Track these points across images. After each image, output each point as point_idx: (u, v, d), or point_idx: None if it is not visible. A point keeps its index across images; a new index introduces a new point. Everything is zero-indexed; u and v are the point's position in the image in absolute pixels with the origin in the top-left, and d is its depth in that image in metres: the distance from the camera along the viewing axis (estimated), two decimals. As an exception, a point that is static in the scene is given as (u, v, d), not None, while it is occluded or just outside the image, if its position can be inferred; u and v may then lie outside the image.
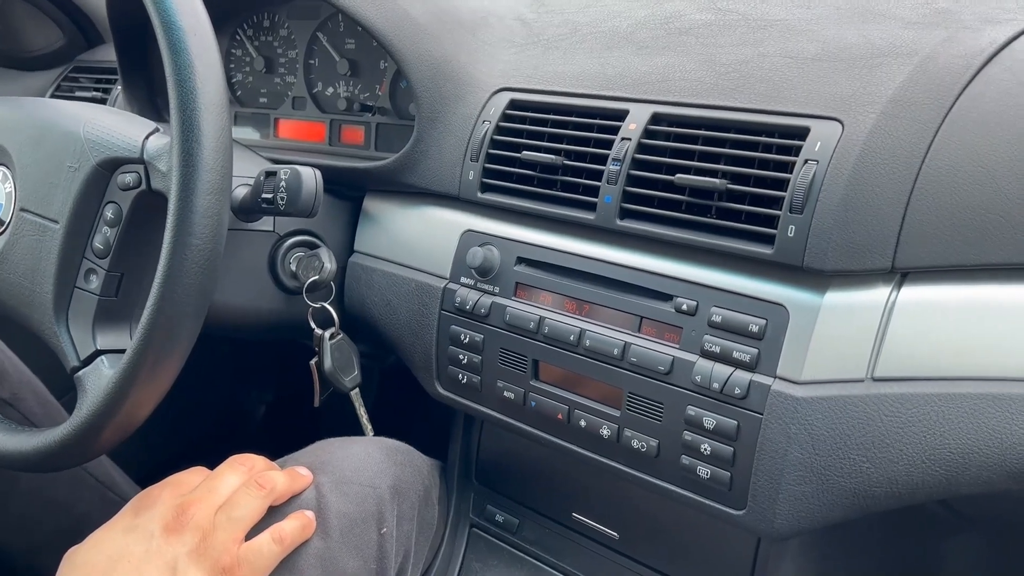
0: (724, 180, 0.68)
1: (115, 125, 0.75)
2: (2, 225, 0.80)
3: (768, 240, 0.66)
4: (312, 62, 1.05)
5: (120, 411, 0.67)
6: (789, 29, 0.76)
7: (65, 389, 0.82)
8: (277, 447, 0.85)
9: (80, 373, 0.72)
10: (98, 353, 0.72)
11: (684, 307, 0.70)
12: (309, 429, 0.97)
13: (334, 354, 0.90)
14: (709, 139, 0.71)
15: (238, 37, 1.10)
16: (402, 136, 0.97)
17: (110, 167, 0.73)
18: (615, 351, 0.73)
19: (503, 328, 0.80)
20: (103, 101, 1.30)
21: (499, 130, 0.83)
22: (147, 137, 0.72)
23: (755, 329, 0.66)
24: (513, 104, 0.83)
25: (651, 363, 0.71)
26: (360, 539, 0.74)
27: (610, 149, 0.75)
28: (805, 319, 0.64)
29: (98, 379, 0.70)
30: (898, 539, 0.85)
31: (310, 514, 0.72)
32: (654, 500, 0.80)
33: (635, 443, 0.73)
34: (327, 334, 0.90)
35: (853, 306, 0.63)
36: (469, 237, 0.85)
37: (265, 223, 0.88)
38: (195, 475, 0.74)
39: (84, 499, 0.99)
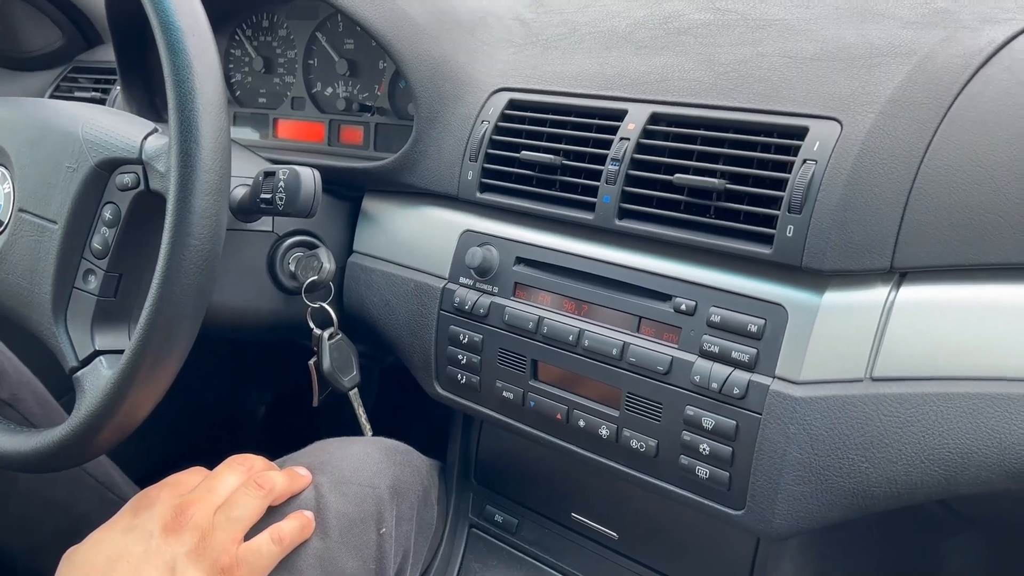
0: (723, 180, 0.68)
1: (113, 125, 0.75)
2: (1, 226, 0.80)
3: (767, 240, 0.66)
4: (311, 62, 1.05)
5: (119, 411, 0.67)
6: (788, 29, 0.76)
7: (64, 390, 0.82)
8: (276, 447, 0.85)
9: (79, 374, 0.72)
10: (97, 353, 0.72)
11: (683, 307, 0.70)
12: (308, 429, 0.97)
13: (333, 354, 0.90)
14: (708, 139, 0.71)
15: (237, 37, 1.10)
16: (401, 136, 0.97)
17: (108, 167, 0.73)
18: (614, 351, 0.73)
19: (502, 328, 0.80)
20: (102, 101, 1.30)
21: (498, 130, 0.83)
22: (145, 138, 0.72)
23: (754, 329, 0.66)
24: (512, 104, 0.83)
25: (650, 363, 0.71)
26: (359, 539, 0.74)
27: (609, 149, 0.74)
28: (804, 319, 0.64)
29: (97, 379, 0.70)
30: (897, 539, 0.85)
31: (309, 514, 0.72)
32: (653, 500, 0.80)
33: (634, 443, 0.73)
34: (326, 334, 0.90)
35: (852, 306, 0.63)
36: (468, 237, 0.85)
37: (264, 223, 0.88)
38: (194, 475, 0.74)
39: (83, 499, 0.99)
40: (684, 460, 0.70)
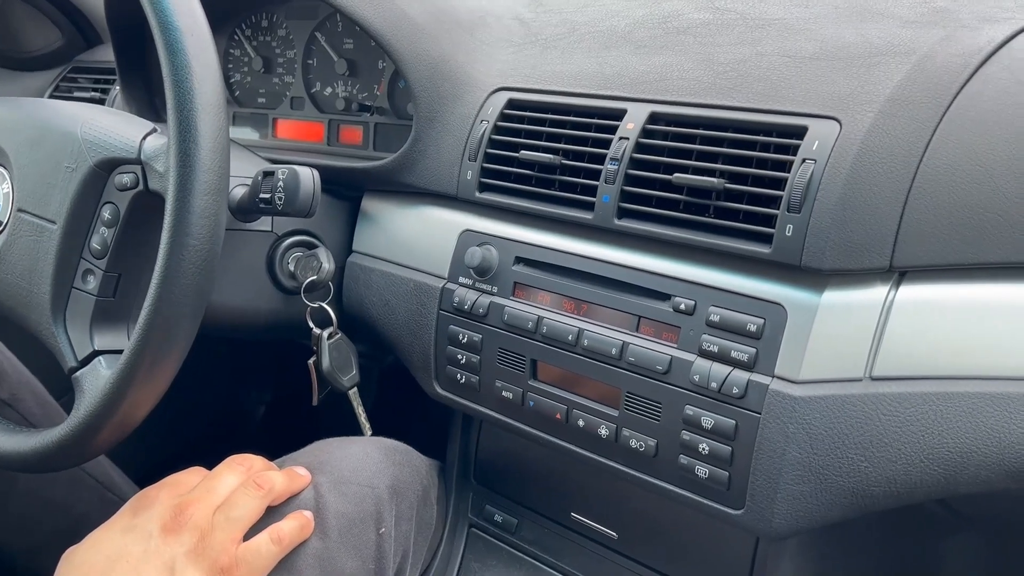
0: (722, 179, 0.68)
1: (112, 125, 0.75)
2: (0, 225, 0.80)
3: (766, 239, 0.66)
4: (310, 62, 1.05)
5: (118, 411, 0.67)
6: (787, 28, 0.76)
7: (64, 390, 0.81)
8: (275, 447, 0.85)
9: (78, 374, 0.72)
10: (96, 354, 0.72)
11: (682, 306, 0.70)
12: (307, 429, 0.97)
13: (332, 354, 0.90)
14: (707, 138, 0.71)
15: (236, 37, 1.10)
16: (400, 136, 0.97)
17: (107, 168, 0.73)
18: (613, 351, 0.73)
19: (501, 328, 0.80)
20: (101, 102, 1.30)
21: (497, 130, 0.83)
22: (144, 138, 0.72)
23: (753, 328, 0.66)
24: (511, 104, 0.83)
25: (649, 363, 0.71)
26: (358, 539, 0.74)
27: (608, 149, 0.74)
28: (803, 318, 0.64)
29: (96, 380, 0.70)
30: (897, 538, 0.85)
31: (308, 514, 0.72)
32: (653, 500, 0.80)
33: (633, 443, 0.73)
34: (325, 334, 0.90)
35: (851, 305, 0.63)
36: (467, 237, 0.85)
37: (263, 223, 0.88)
38: (193, 475, 0.74)
39: (83, 499, 0.99)
40: (683, 460, 0.70)
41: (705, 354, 0.68)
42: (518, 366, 0.80)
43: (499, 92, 0.85)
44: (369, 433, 0.93)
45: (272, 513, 0.71)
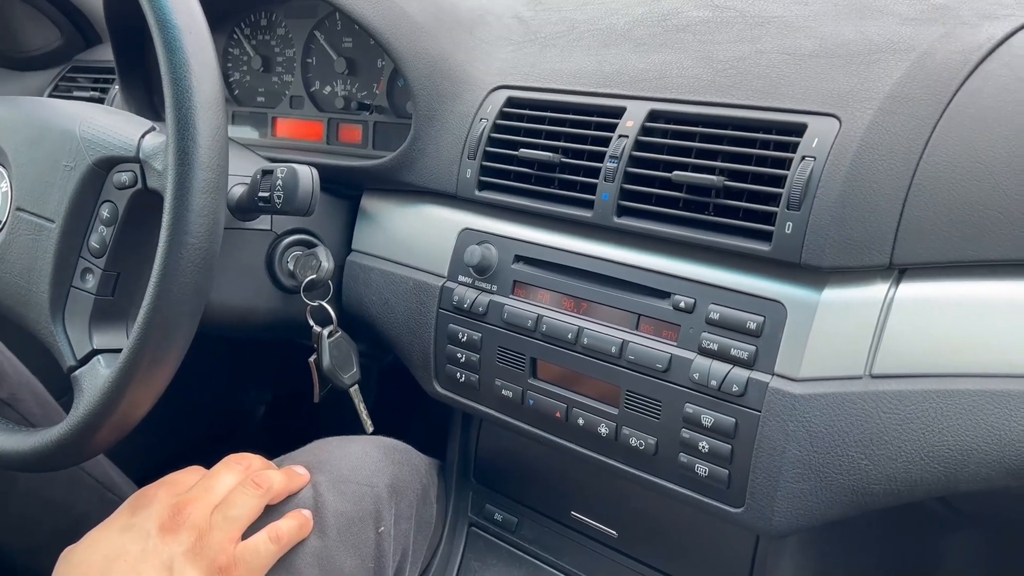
0: (722, 177, 0.68)
1: (111, 124, 0.75)
2: (-1, 224, 0.80)
3: (766, 237, 0.66)
4: (309, 61, 1.05)
5: (117, 410, 0.67)
6: (786, 25, 0.76)
7: (64, 389, 0.81)
8: (275, 446, 0.85)
9: (77, 373, 0.72)
10: (95, 352, 0.72)
11: (682, 304, 0.70)
12: (307, 428, 0.97)
13: (332, 352, 0.90)
14: (707, 136, 0.71)
15: (235, 36, 1.10)
16: (399, 134, 0.97)
17: (106, 166, 0.73)
18: (613, 349, 0.73)
19: (501, 326, 0.80)
20: (101, 101, 1.30)
21: (496, 128, 0.83)
22: (143, 136, 0.72)
23: (753, 326, 0.66)
24: (510, 102, 0.83)
25: (649, 361, 0.71)
26: (358, 538, 0.74)
27: (607, 147, 0.74)
28: (803, 316, 0.64)
29: (95, 378, 0.70)
30: (897, 536, 0.85)
31: (307, 513, 0.72)
32: (653, 498, 0.80)
33: (633, 441, 0.72)
34: (325, 332, 0.90)
35: (851, 303, 0.63)
36: (467, 235, 0.85)
37: (262, 222, 0.87)
38: (191, 474, 0.73)
39: (82, 499, 0.99)
40: (683, 458, 0.70)
41: (705, 352, 0.68)
42: (518, 365, 0.80)
43: (498, 90, 0.85)
44: (371, 429, 0.93)
45: (271, 512, 0.71)
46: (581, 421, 0.76)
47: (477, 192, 0.84)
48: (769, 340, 0.65)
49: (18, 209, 0.78)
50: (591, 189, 0.75)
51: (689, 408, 0.69)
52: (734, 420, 0.66)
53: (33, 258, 0.76)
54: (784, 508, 0.65)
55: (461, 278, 0.84)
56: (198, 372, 0.87)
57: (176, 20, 0.65)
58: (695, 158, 0.70)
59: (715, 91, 0.72)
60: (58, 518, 0.97)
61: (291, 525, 0.70)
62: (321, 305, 0.90)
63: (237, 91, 1.12)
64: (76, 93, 1.37)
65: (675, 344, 0.70)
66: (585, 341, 0.75)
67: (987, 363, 0.60)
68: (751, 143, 0.68)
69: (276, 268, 0.89)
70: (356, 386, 0.92)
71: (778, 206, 0.65)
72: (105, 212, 0.73)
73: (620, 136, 0.74)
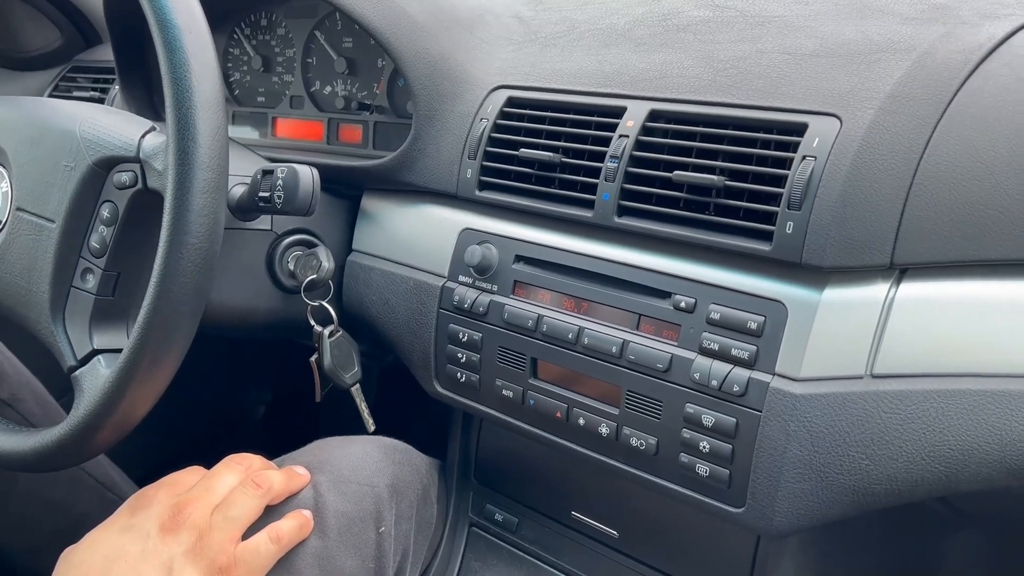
0: (722, 177, 0.68)
1: (111, 124, 0.75)
2: (-1, 224, 0.80)
3: (766, 237, 0.66)
4: (310, 61, 1.05)
5: (117, 410, 0.67)
6: (787, 25, 0.76)
7: (64, 389, 0.81)
8: (275, 446, 0.85)
9: (77, 373, 0.72)
10: (95, 352, 0.72)
11: (682, 304, 0.70)
12: (307, 428, 0.97)
13: (334, 351, 0.90)
14: (707, 136, 0.70)
15: (235, 36, 1.10)
16: (400, 134, 0.97)
17: (106, 166, 0.73)
18: (613, 349, 0.73)
19: (501, 326, 0.80)
20: (101, 101, 1.30)
21: (497, 128, 0.83)
22: (143, 136, 0.72)
23: (753, 326, 0.66)
24: (511, 102, 0.83)
25: (649, 361, 0.71)
26: (358, 538, 0.74)
27: (608, 146, 0.74)
28: (804, 316, 0.64)
29: (95, 379, 0.70)
30: (898, 536, 0.85)
31: (307, 513, 0.72)
32: (653, 498, 0.80)
33: (634, 441, 0.72)
34: (326, 332, 0.90)
35: (852, 302, 0.63)
36: (467, 235, 0.85)
37: (263, 222, 0.87)
38: (191, 475, 0.73)
39: (83, 499, 0.99)
40: (684, 458, 0.70)
41: (706, 352, 0.68)
42: (518, 365, 0.80)
43: (499, 90, 0.85)
44: (373, 428, 0.93)
45: (271, 512, 0.71)
46: (582, 421, 0.76)
47: (477, 192, 0.84)
48: (770, 340, 0.65)
49: (18, 209, 0.78)
50: (591, 189, 0.75)
51: (690, 408, 0.69)
52: (735, 420, 0.66)
53: (33, 258, 0.75)
54: (785, 508, 0.65)
55: (461, 278, 0.84)
56: (198, 372, 0.87)
57: (176, 20, 0.65)
58: (696, 158, 0.70)
59: (716, 91, 0.72)
60: (58, 518, 0.97)
61: (291, 525, 0.70)
62: (322, 305, 0.90)
63: (237, 91, 1.12)
64: (76, 93, 1.37)
65: (676, 344, 0.70)
66: (586, 341, 0.74)
67: (988, 363, 0.60)
68: (752, 143, 0.68)
69: (276, 268, 0.89)
70: (357, 385, 0.92)
71: (779, 206, 0.65)
72: (105, 212, 0.73)
73: (621, 136, 0.74)
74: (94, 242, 0.74)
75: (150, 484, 0.72)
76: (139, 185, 0.71)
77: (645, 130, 0.73)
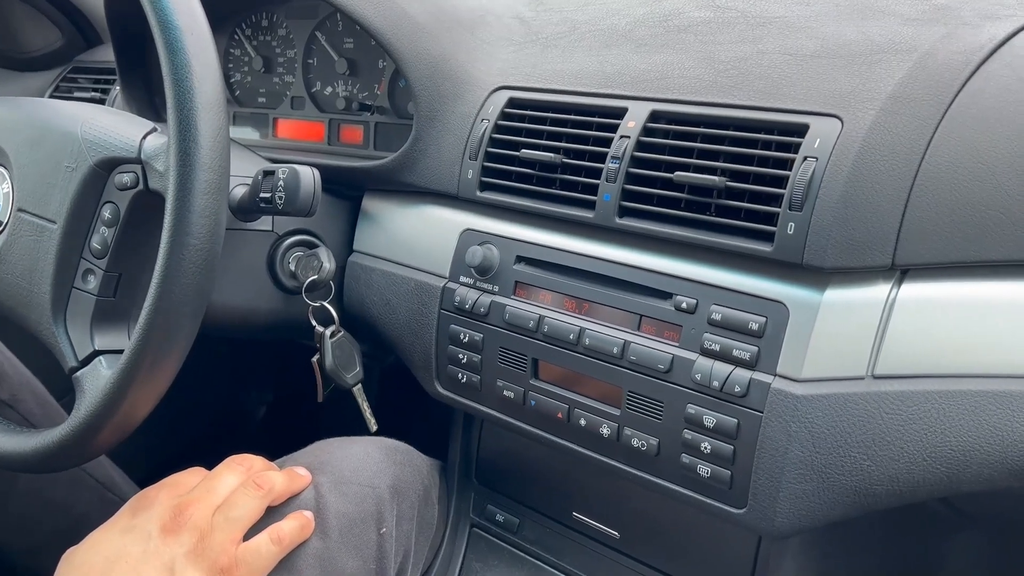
0: (723, 177, 0.68)
1: (112, 125, 0.75)
2: (0, 225, 0.80)
3: (768, 237, 0.66)
4: (311, 61, 1.05)
5: (118, 411, 0.67)
6: (788, 26, 0.76)
7: (65, 390, 0.81)
8: (276, 447, 0.85)
9: (78, 374, 0.72)
10: (96, 353, 0.72)
11: (684, 305, 0.70)
12: (308, 429, 0.97)
13: (335, 352, 0.90)
14: (708, 136, 0.70)
15: (236, 37, 1.10)
16: (401, 135, 0.97)
17: (107, 167, 0.73)
18: (615, 350, 0.73)
19: (503, 327, 0.80)
20: (102, 101, 1.30)
21: (498, 128, 0.83)
22: (144, 137, 0.72)
23: (755, 327, 0.66)
24: (512, 103, 0.83)
25: (651, 361, 0.71)
26: (359, 539, 0.74)
27: (609, 147, 0.74)
28: (805, 317, 0.64)
29: (96, 380, 0.70)
30: (899, 537, 0.85)
31: (309, 514, 0.72)
32: (654, 499, 0.80)
33: (635, 442, 0.72)
34: (328, 332, 0.90)
35: (853, 303, 0.63)
36: (468, 236, 0.85)
37: (264, 223, 0.87)
38: (193, 475, 0.73)
39: (83, 500, 0.99)
40: (685, 459, 0.70)
41: (707, 353, 0.68)
42: (519, 365, 0.80)
43: (500, 91, 0.85)
44: (375, 427, 0.93)
45: (272, 513, 0.71)
46: (583, 422, 0.76)
47: (478, 193, 0.84)
48: (771, 341, 0.65)
49: (20, 210, 0.78)
50: (593, 190, 0.75)
51: (691, 409, 0.69)
52: (736, 421, 0.66)
53: (35, 259, 0.76)
54: (786, 509, 0.65)
55: (463, 279, 0.84)
56: (199, 373, 0.87)
57: (178, 21, 0.65)
58: (697, 159, 0.70)
59: (717, 91, 0.72)
60: (58, 518, 0.97)
61: (293, 526, 0.70)
62: (323, 306, 0.90)
63: (238, 92, 1.12)
64: (77, 94, 1.37)
65: (677, 345, 0.70)
66: (587, 342, 0.74)
67: (989, 364, 0.60)
68: (753, 144, 0.68)
69: (277, 269, 0.89)
70: (359, 385, 0.92)
71: (780, 207, 0.65)
72: (107, 213, 0.73)
73: (622, 137, 0.74)
74: (95, 243, 0.74)
75: (151, 485, 0.72)
76: (140, 186, 0.71)
77: (646, 131, 0.73)
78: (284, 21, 1.06)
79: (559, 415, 0.78)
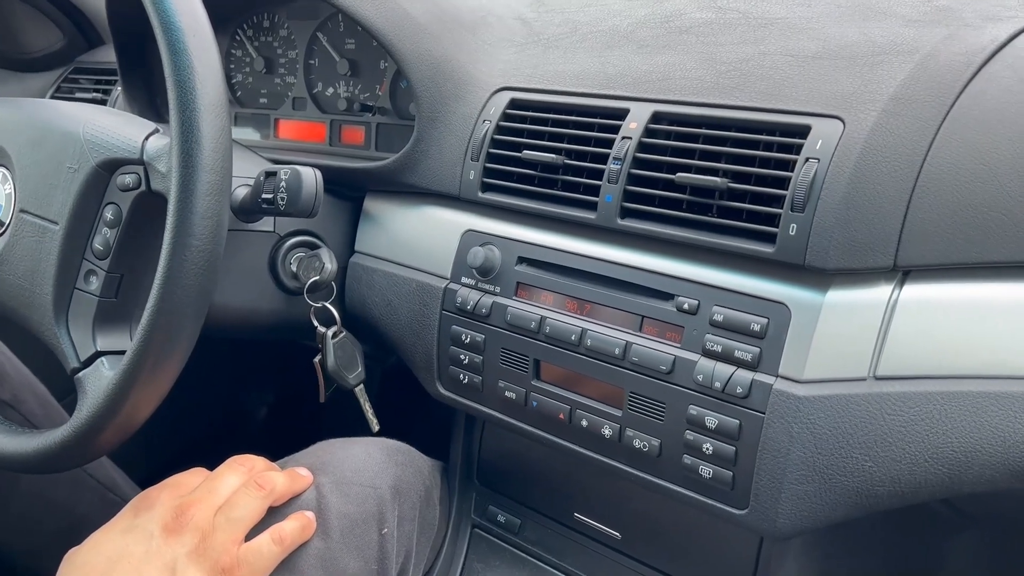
0: (725, 179, 0.68)
1: (114, 126, 0.75)
2: (2, 226, 0.80)
3: (770, 239, 0.66)
4: (312, 62, 1.05)
5: (120, 412, 0.67)
6: (790, 27, 0.76)
7: (66, 391, 0.82)
8: (277, 448, 0.85)
9: (80, 374, 0.72)
10: (98, 354, 0.72)
11: (685, 306, 0.70)
12: (310, 430, 0.97)
13: (337, 352, 0.90)
14: (710, 138, 0.70)
15: (238, 38, 1.10)
16: (402, 136, 0.97)
17: (109, 168, 0.73)
18: (616, 351, 0.73)
19: (504, 328, 0.80)
20: (103, 102, 1.30)
21: (499, 129, 0.83)
22: (147, 138, 0.72)
23: (757, 328, 0.66)
24: (513, 103, 0.83)
25: (652, 362, 0.71)
26: (361, 539, 0.74)
27: (611, 148, 0.74)
28: (807, 318, 0.64)
29: (98, 380, 0.70)
30: (901, 538, 0.85)
31: (310, 514, 0.72)
32: (656, 500, 0.80)
33: (637, 443, 0.72)
34: (329, 332, 0.90)
35: (855, 305, 0.63)
36: (470, 237, 0.85)
37: (265, 223, 0.88)
38: (194, 476, 0.73)
39: (85, 500, 0.99)
40: (687, 460, 0.70)
41: (709, 354, 0.68)
42: (521, 366, 0.80)
43: (501, 92, 0.85)
44: (377, 428, 0.93)
45: (274, 514, 0.71)
46: (584, 423, 0.76)
47: (480, 194, 0.84)
48: (773, 342, 0.65)
49: (22, 211, 0.78)
50: (594, 191, 0.75)
51: (693, 410, 0.69)
52: (738, 422, 0.66)
53: (37, 260, 0.76)
54: (788, 510, 0.65)
55: (464, 280, 0.84)
56: (201, 373, 0.87)
57: (180, 22, 0.65)
58: (698, 160, 0.70)
59: (718, 93, 0.72)
60: (60, 519, 0.97)
61: (294, 527, 0.70)
62: (325, 306, 0.90)
63: (240, 92, 1.12)
64: (78, 94, 1.37)
65: (679, 346, 0.70)
66: (588, 343, 0.74)
67: (991, 365, 0.60)
68: (754, 145, 0.68)
69: (279, 270, 0.89)
70: (361, 386, 0.92)
71: (782, 208, 0.65)
72: (109, 214, 0.73)
73: (623, 138, 0.74)
74: (97, 244, 0.74)
75: (153, 485, 0.72)
76: (142, 187, 0.71)
77: (648, 132, 0.73)
78: (286, 22, 1.06)
79: (561, 416, 0.78)
